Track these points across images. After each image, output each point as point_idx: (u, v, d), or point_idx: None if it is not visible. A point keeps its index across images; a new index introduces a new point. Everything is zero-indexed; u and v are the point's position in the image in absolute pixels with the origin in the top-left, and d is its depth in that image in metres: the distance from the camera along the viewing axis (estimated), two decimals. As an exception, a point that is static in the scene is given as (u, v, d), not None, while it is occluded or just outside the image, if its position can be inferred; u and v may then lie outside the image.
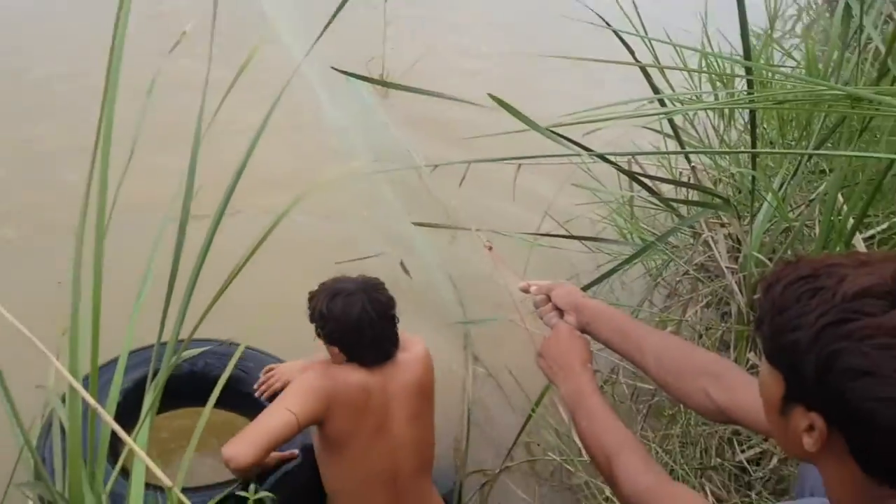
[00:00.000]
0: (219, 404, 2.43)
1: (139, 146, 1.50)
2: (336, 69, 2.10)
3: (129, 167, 1.45)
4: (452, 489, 2.37)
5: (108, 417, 1.11)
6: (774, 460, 2.07)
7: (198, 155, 1.48)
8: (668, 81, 2.53)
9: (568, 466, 2.26)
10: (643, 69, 2.21)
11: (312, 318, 2.11)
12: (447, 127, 4.14)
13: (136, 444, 1.12)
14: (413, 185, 3.83)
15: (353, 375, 2.08)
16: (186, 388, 2.29)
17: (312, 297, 2.13)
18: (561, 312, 1.63)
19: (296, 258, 3.26)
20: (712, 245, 2.39)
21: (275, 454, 2.11)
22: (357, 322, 2.03)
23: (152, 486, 1.48)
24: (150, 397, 1.32)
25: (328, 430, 2.06)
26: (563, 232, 2.85)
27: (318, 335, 2.12)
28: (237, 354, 1.61)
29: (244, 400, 2.39)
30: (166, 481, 1.09)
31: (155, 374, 1.36)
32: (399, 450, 2.13)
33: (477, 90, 1.94)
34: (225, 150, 1.79)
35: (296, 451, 2.20)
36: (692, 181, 2.50)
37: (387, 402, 2.11)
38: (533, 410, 2.21)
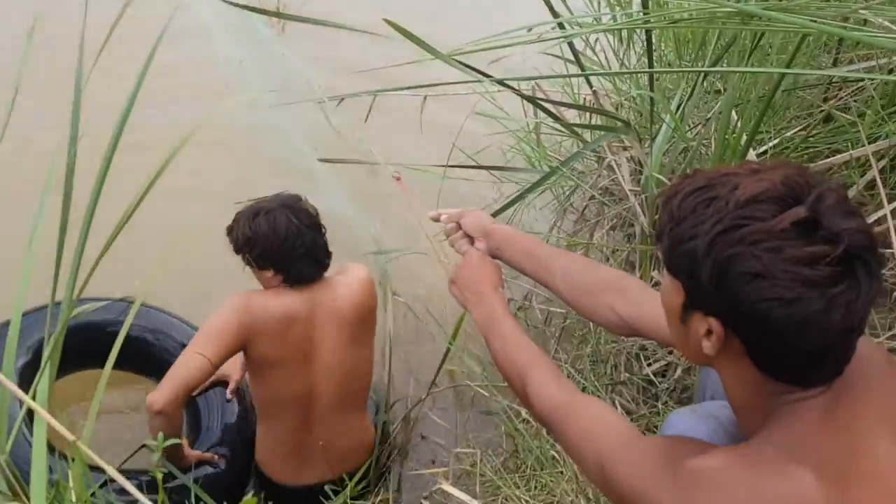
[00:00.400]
0: (130, 367, 2.43)
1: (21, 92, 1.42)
2: (227, 1, 2.01)
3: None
4: (376, 421, 2.38)
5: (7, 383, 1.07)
6: (679, 371, 2.16)
7: (81, 96, 1.40)
8: (566, 6, 2.52)
9: (484, 392, 2.30)
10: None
11: (237, 248, 2.06)
12: (348, 61, 4.05)
13: (33, 401, 1.08)
14: (317, 120, 3.74)
15: (275, 303, 2.04)
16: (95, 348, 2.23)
17: (231, 227, 2.07)
18: (471, 239, 1.64)
19: (194, 199, 3.17)
20: (616, 168, 2.44)
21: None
22: (286, 236, 1.99)
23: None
24: (48, 351, 1.27)
25: (250, 356, 2.06)
26: (472, 163, 2.85)
27: (248, 264, 2.07)
28: (133, 312, 1.55)
29: (150, 361, 2.35)
30: (68, 435, 1.06)
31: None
32: (323, 376, 2.11)
33: (377, 22, 1.88)
34: (114, 90, 1.70)
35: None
36: (594, 106, 2.53)
37: (315, 328, 2.08)
38: (451, 342, 2.24)
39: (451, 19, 4.75)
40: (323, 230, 2.10)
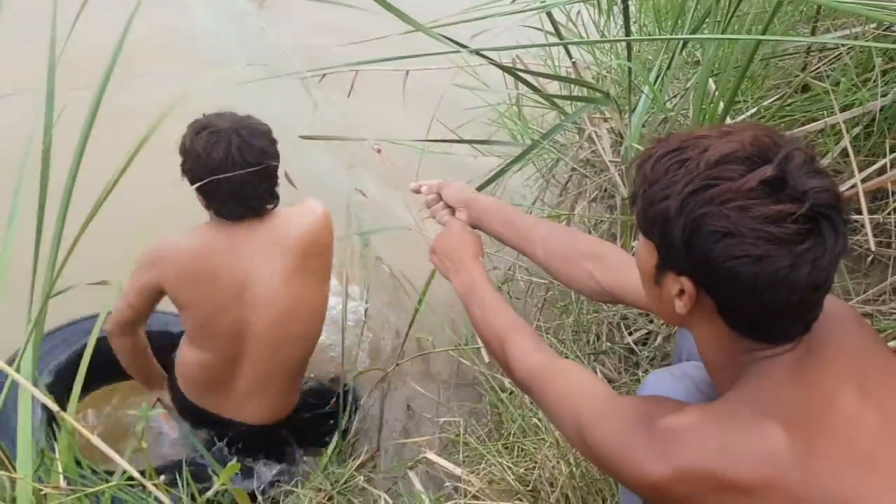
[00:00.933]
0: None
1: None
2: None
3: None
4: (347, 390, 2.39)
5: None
6: (659, 339, 2.20)
7: (55, 73, 1.39)
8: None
9: (464, 360, 2.33)
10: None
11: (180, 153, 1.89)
12: (330, 35, 4.03)
13: (15, 373, 1.09)
14: (297, 96, 3.72)
15: (185, 244, 1.94)
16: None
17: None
18: (452, 210, 1.66)
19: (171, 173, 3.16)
20: (596, 140, 2.45)
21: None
22: (215, 166, 1.78)
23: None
24: (30, 326, 1.27)
25: (171, 298, 1.99)
26: (454, 137, 2.85)
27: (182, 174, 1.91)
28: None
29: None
30: (54, 407, 1.07)
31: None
32: (257, 312, 2.00)
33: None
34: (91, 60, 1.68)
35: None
36: (574, 77, 2.53)
37: (246, 263, 1.95)
38: (419, 305, 2.24)
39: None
40: (272, 176, 1.88)
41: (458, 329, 2.57)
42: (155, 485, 0.95)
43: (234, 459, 2.14)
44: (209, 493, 1.08)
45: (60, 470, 1.17)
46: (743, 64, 1.90)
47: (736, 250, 0.91)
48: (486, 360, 2.23)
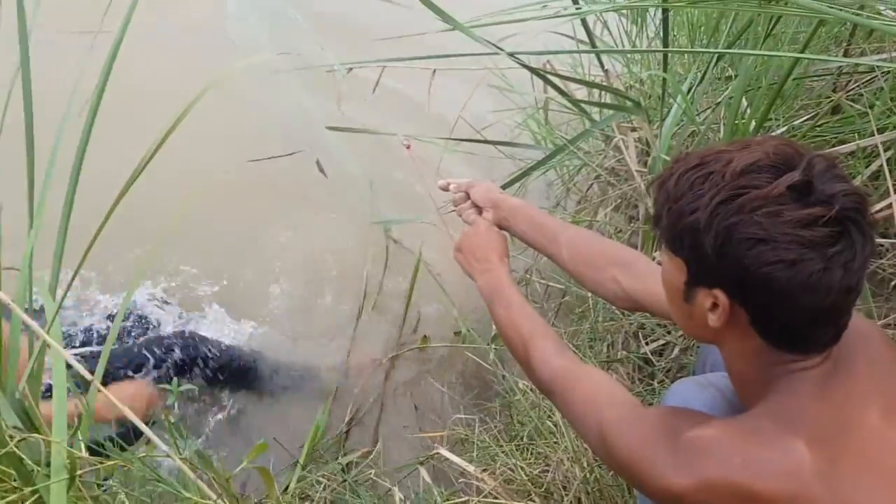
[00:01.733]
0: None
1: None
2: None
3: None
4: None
5: (17, 310, 1.09)
6: (676, 350, 2.19)
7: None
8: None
9: (480, 361, 2.33)
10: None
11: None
12: (359, 30, 4.03)
13: (49, 336, 1.10)
14: (325, 88, 3.72)
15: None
16: None
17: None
18: (479, 209, 1.66)
19: (205, 155, 3.17)
20: (623, 149, 2.45)
21: None
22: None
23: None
24: (60, 295, 1.28)
25: None
26: (477, 137, 2.86)
27: None
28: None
29: None
30: (87, 375, 1.08)
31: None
32: None
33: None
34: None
35: None
36: (606, 85, 2.54)
37: None
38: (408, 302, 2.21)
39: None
40: None
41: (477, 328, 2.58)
42: (182, 459, 0.95)
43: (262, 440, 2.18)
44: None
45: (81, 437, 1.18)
46: (778, 81, 1.90)
47: (770, 256, 0.92)
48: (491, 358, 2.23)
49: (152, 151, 1.25)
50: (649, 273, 1.40)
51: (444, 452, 1.58)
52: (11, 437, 1.01)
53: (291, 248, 3.07)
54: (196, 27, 4.02)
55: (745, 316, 0.99)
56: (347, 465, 2.10)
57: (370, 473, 1.83)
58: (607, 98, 2.57)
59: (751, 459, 0.95)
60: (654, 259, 2.22)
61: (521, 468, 1.72)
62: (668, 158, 2.19)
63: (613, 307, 2.28)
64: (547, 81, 2.42)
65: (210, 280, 2.89)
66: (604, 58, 2.67)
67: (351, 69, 3.16)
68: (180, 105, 1.42)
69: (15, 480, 1.01)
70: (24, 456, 1.03)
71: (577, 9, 2.26)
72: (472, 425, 2.00)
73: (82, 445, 1.07)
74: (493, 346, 2.26)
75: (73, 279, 1.25)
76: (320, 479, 1.80)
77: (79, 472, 0.97)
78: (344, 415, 2.40)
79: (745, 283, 0.96)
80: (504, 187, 2.18)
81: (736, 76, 2.44)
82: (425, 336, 2.68)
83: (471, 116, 3.09)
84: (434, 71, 3.08)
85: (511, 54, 2.09)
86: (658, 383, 2.13)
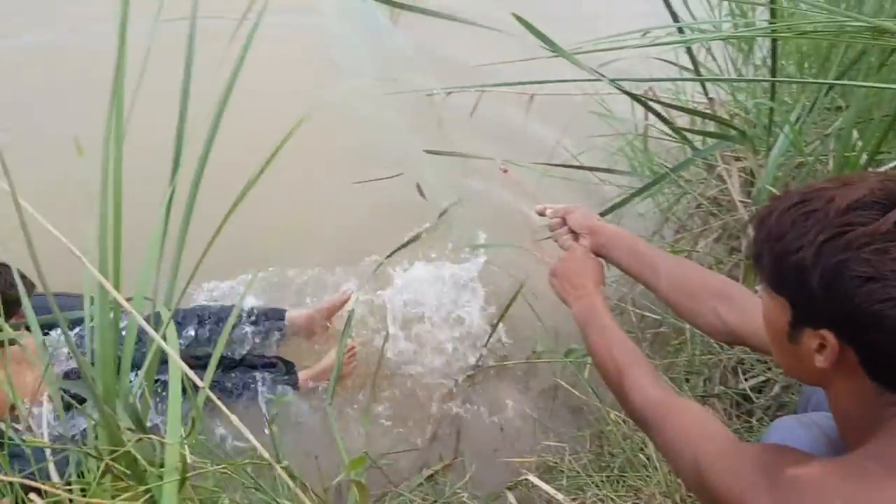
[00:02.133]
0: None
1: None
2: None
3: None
4: None
5: (138, 318, 1.15)
6: (777, 388, 2.11)
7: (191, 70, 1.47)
8: (688, 9, 2.49)
9: (576, 392, 2.31)
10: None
11: None
12: (457, 55, 4.10)
13: (165, 344, 1.16)
14: (422, 111, 3.79)
15: None
16: None
17: None
18: (576, 235, 1.66)
19: (308, 173, 3.27)
20: (726, 178, 2.40)
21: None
22: None
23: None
24: (175, 298, 1.35)
25: None
26: (574, 163, 2.85)
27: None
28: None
29: None
30: (197, 381, 1.13)
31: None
32: None
33: (491, 16, 1.90)
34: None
35: None
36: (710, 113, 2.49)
37: None
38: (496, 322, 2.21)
39: (559, 20, 4.73)
40: None
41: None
42: (283, 468, 0.99)
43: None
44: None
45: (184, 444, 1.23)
46: (892, 114, 1.83)
47: (880, 294, 0.89)
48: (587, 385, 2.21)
49: (260, 169, 1.31)
50: (751, 306, 1.37)
51: (534, 479, 1.57)
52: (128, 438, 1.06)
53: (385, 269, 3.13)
54: (300, 48, 4.16)
55: (853, 356, 0.96)
56: (430, 477, 2.12)
57: (463, 496, 1.83)
58: (711, 126, 2.51)
59: (852, 501, 0.92)
60: (756, 292, 2.17)
61: (612, 500, 1.69)
62: (773, 190, 2.13)
63: (711, 340, 2.23)
64: (648, 108, 2.39)
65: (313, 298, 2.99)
66: (708, 85, 2.63)
67: (450, 93, 3.23)
68: (280, 124, 1.49)
69: (130, 479, 1.07)
70: (138, 456, 1.09)
71: (681, 37, 2.24)
72: (561, 453, 1.97)
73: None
74: (568, 360, 2.23)
75: (185, 287, 1.31)
76: (413, 497, 1.81)
77: (189, 475, 1.01)
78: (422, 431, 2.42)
79: (855, 322, 0.92)
80: (603, 214, 2.17)
81: (847, 107, 2.36)
82: (504, 356, 2.68)
83: (568, 141, 3.09)
84: (532, 96, 3.11)
85: (613, 81, 2.09)
86: (757, 421, 2.06)
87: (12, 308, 1.87)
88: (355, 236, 3.19)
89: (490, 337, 2.47)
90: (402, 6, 2.84)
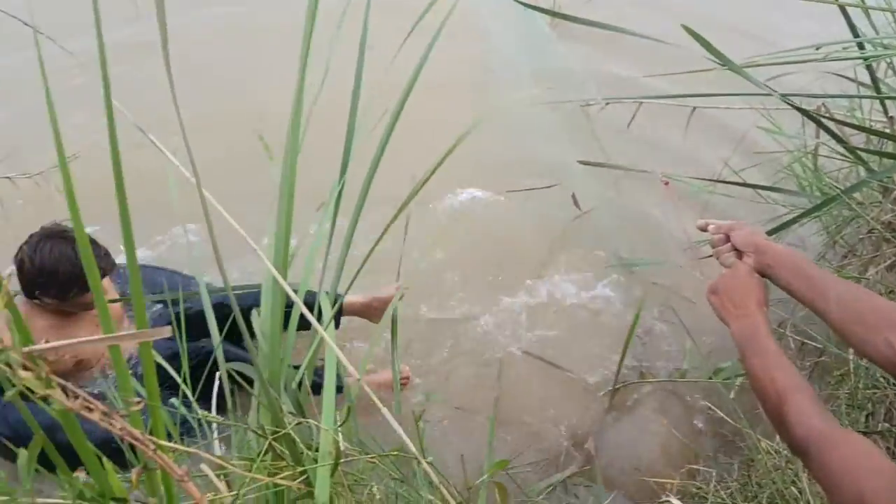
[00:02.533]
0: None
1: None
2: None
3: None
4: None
5: (305, 310, 1.22)
6: (952, 431, 1.96)
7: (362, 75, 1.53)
8: (871, 22, 2.35)
9: (725, 416, 2.22)
10: (842, 8, 2.07)
11: None
12: (618, 67, 4.06)
13: (324, 331, 1.22)
14: (577, 121, 3.77)
15: None
16: None
17: None
18: (739, 253, 1.61)
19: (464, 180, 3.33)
20: (904, 202, 2.24)
21: None
22: None
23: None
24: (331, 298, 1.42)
25: None
26: (738, 179, 2.75)
27: None
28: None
29: None
30: (353, 372, 1.19)
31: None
32: None
33: (655, 24, 1.87)
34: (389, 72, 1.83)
35: None
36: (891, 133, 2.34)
37: None
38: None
39: (726, 23, 4.57)
40: None
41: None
42: (429, 462, 1.02)
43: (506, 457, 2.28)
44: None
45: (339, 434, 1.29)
46: None
47: None
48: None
49: (428, 175, 1.35)
50: (930, 340, 1.28)
51: (676, 502, 1.52)
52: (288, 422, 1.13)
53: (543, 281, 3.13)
54: (461, 58, 4.25)
55: None
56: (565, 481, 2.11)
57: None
58: (889, 147, 2.36)
59: None
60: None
61: (761, 531, 1.62)
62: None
63: (878, 373, 2.09)
64: (821, 125, 2.27)
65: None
66: (888, 103, 2.47)
67: (608, 103, 3.19)
68: (441, 131, 1.53)
69: (288, 460, 1.14)
70: (297, 438, 1.16)
71: (861, 52, 2.11)
72: (707, 478, 1.91)
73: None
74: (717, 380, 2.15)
75: (348, 288, 1.38)
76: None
77: (341, 461, 1.06)
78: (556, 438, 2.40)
79: None
80: (769, 234, 2.09)
81: None
82: (642, 373, 2.63)
83: (731, 156, 2.99)
84: (693, 109, 3.03)
85: (784, 96, 2.01)
86: (926, 464, 1.90)
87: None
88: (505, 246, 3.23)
89: (625, 348, 2.43)
90: (568, 17, 2.85)
